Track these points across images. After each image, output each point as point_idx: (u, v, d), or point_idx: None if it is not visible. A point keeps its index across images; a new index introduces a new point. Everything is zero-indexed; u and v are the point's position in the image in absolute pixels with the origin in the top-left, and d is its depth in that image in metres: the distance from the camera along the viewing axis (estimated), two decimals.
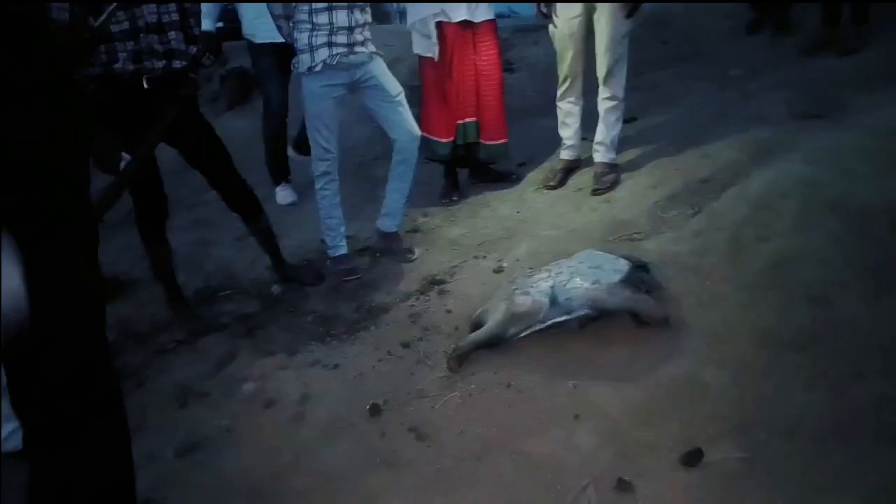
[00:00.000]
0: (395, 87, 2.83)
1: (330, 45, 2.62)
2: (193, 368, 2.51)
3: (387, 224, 3.06)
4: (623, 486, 1.61)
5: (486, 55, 3.19)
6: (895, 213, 2.23)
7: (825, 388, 1.74)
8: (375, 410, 2.06)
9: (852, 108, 2.94)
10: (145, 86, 2.32)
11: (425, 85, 3.26)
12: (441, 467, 1.80)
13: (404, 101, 2.85)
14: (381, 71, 2.80)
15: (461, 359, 2.18)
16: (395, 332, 2.48)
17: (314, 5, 2.57)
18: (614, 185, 3.08)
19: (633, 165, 3.23)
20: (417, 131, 2.89)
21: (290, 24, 2.71)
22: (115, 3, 2.14)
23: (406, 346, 2.37)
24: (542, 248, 2.77)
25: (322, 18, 2.59)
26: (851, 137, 2.69)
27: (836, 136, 2.73)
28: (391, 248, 3.04)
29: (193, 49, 2.49)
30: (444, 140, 3.26)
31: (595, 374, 1.99)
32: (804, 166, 2.61)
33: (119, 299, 3.06)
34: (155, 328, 2.84)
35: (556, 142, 3.52)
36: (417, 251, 3.04)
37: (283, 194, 3.96)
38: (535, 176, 3.50)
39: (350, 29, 2.62)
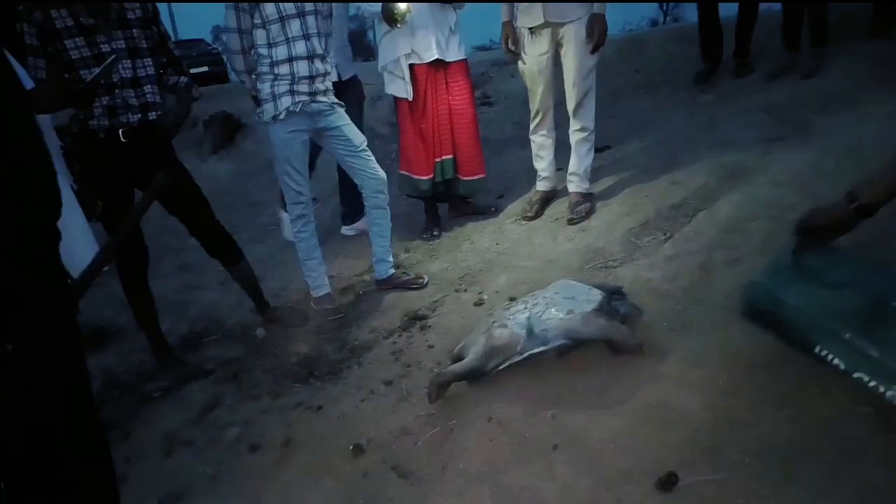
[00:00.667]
0: (357, 136, 2.88)
1: (292, 93, 2.68)
2: (178, 416, 2.51)
3: (382, 270, 3.10)
4: None
5: (459, 94, 3.28)
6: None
7: (794, 406, 1.77)
8: (358, 451, 2.08)
9: (816, 130, 3.03)
10: (122, 139, 2.38)
11: (402, 124, 3.35)
12: None
13: (367, 150, 2.90)
14: (343, 122, 2.84)
15: (441, 388, 2.20)
16: (377, 369, 2.50)
17: (275, 57, 2.64)
18: (589, 213, 3.15)
19: (607, 194, 3.31)
20: (383, 175, 2.94)
21: (253, 78, 2.77)
22: (114, 56, 2.19)
23: (388, 383, 2.39)
24: (521, 279, 2.82)
25: (283, 69, 2.65)
26: (815, 159, 2.77)
27: (801, 159, 2.81)
28: (398, 286, 3.07)
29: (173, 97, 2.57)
30: (424, 177, 3.33)
31: (573, 404, 2.01)
32: (771, 189, 2.68)
33: (103, 349, 3.08)
34: (140, 377, 2.86)
35: (532, 173, 3.60)
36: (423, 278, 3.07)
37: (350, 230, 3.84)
38: (513, 207, 3.57)
39: (311, 78, 2.70)
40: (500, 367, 2.20)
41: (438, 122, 3.26)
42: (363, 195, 3.00)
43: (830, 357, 1.56)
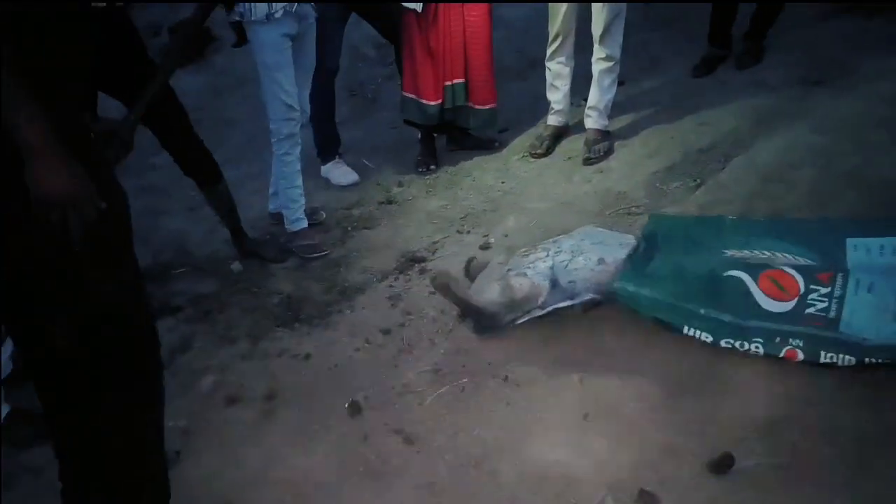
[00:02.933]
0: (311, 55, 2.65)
1: None
2: None
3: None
4: (646, 497, 1.42)
5: (476, 10, 2.87)
6: None
7: (864, 382, 1.57)
8: (355, 409, 1.82)
9: (859, 75, 2.75)
10: None
11: (409, 42, 2.94)
12: (434, 477, 1.58)
13: None
14: (313, 34, 2.60)
15: (441, 289, 2.00)
16: (372, 316, 2.22)
17: None
18: (607, 153, 2.86)
19: (625, 133, 3.01)
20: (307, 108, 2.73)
21: None
22: None
23: (386, 332, 2.12)
24: (533, 223, 2.54)
25: None
26: (862, 105, 2.51)
27: (846, 104, 2.55)
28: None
29: None
30: (433, 102, 2.96)
31: (604, 366, 1.78)
32: (815, 136, 2.43)
33: None
34: None
35: (539, 107, 3.27)
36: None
37: (340, 172, 3.21)
38: (519, 143, 3.25)
39: None
40: (518, 322, 1.95)
41: (451, 41, 2.87)
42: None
43: (698, 334, 1.69)
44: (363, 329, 2.15)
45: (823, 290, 1.69)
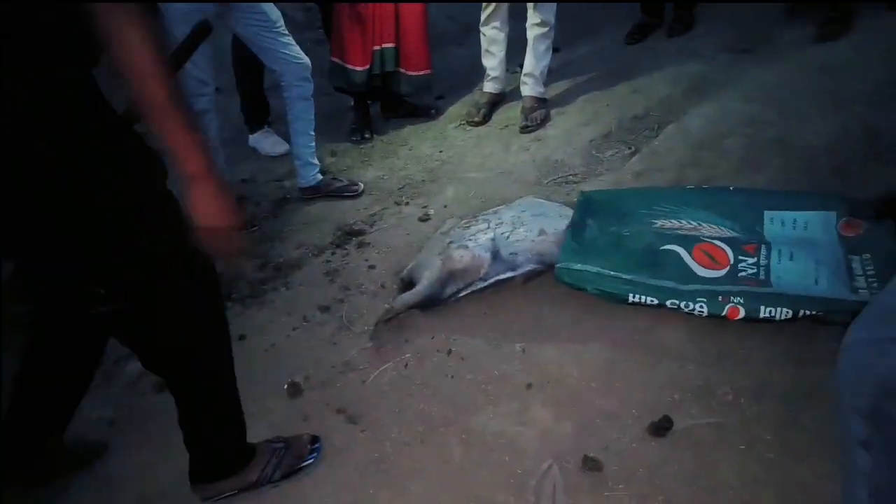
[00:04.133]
0: (272, 10, 2.36)
1: None
2: None
3: (308, 175, 2.64)
4: (590, 463, 1.44)
5: None
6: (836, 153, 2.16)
7: (788, 339, 1.64)
8: (295, 390, 1.76)
9: (784, 45, 2.84)
10: None
11: (338, 5, 2.80)
12: (380, 454, 1.55)
13: (285, 29, 2.41)
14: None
15: (387, 323, 1.91)
16: (310, 292, 2.15)
17: None
18: (544, 121, 2.85)
19: (561, 100, 3.00)
20: (307, 60, 2.47)
21: None
22: None
23: (325, 309, 2.05)
24: (472, 193, 2.51)
25: None
26: (788, 74, 2.59)
27: (773, 73, 2.63)
28: (328, 193, 2.66)
29: None
30: (359, 68, 2.84)
31: (545, 335, 1.79)
32: (743, 104, 2.49)
33: None
34: (8, 293, 2.32)
35: (475, 73, 3.22)
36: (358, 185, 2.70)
37: (269, 142, 3.06)
38: (456, 110, 3.19)
39: None
40: (460, 295, 1.93)
41: (382, 5, 2.76)
42: (282, 85, 2.51)
43: (644, 299, 1.74)
44: (300, 306, 2.08)
45: (751, 260, 1.79)
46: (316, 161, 2.66)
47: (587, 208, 2.06)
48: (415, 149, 2.98)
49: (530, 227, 1.94)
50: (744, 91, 2.56)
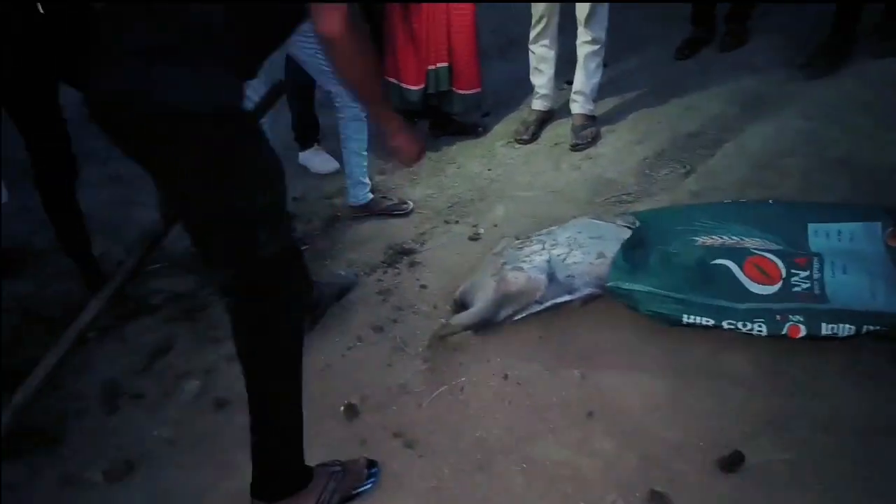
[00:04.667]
0: None
1: None
2: (122, 362, 2.10)
3: (359, 195, 2.65)
4: (656, 497, 1.40)
5: None
6: None
7: (864, 367, 1.57)
8: (352, 411, 1.76)
9: (851, 60, 2.74)
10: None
11: (391, 26, 2.83)
12: (438, 482, 1.53)
13: None
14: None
15: (443, 341, 1.90)
16: (362, 312, 2.15)
17: None
18: (595, 139, 2.81)
19: (611, 118, 2.97)
20: None
21: None
22: None
23: (378, 329, 2.05)
24: (522, 212, 2.49)
25: None
26: (848, 89, 2.52)
27: (833, 89, 2.55)
28: (378, 212, 2.67)
29: None
30: (414, 87, 2.86)
31: (605, 362, 1.75)
32: (803, 121, 2.42)
33: (17, 275, 2.55)
34: (68, 311, 2.38)
35: (521, 89, 3.21)
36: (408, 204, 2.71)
37: (320, 160, 3.07)
38: (503, 128, 3.18)
39: None
40: (515, 318, 1.91)
41: (434, 23, 2.77)
42: (337, 105, 2.53)
43: (698, 320, 1.69)
44: (353, 326, 2.08)
45: (803, 273, 1.73)
46: (367, 180, 2.67)
47: (640, 228, 2.02)
48: (463, 167, 2.98)
49: (588, 250, 1.91)
50: (802, 108, 2.49)
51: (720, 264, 1.79)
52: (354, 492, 1.52)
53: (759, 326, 1.64)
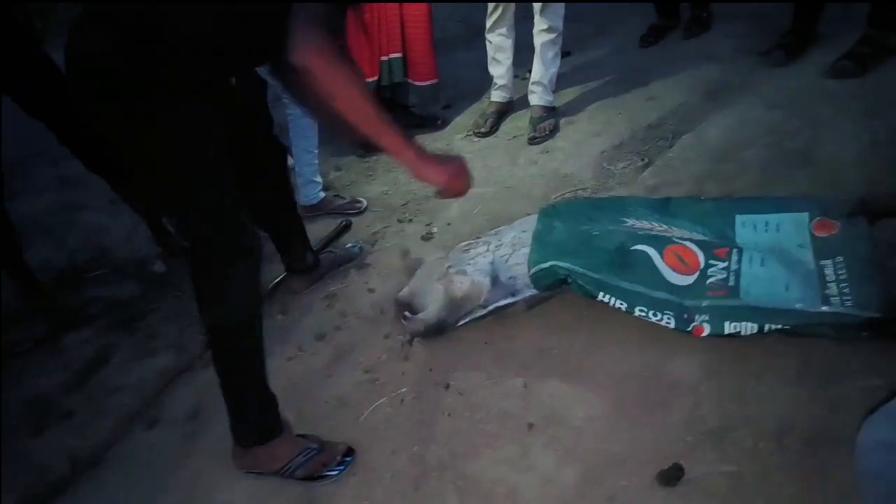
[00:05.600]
0: None
1: None
2: (54, 377, 2.02)
3: (310, 194, 2.56)
4: None
5: None
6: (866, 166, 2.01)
7: (814, 376, 1.50)
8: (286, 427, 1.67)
9: (810, 45, 2.67)
10: None
11: None
12: (370, 501, 1.46)
13: None
14: None
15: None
16: (307, 319, 2.07)
17: None
18: (553, 131, 2.73)
19: (571, 109, 2.88)
20: None
21: None
22: None
23: (321, 337, 1.97)
24: (477, 209, 2.41)
25: None
26: (813, 79, 2.44)
27: (796, 78, 2.47)
28: (330, 211, 2.59)
29: None
30: (367, 79, 2.76)
31: (549, 369, 1.68)
32: (764, 111, 2.34)
33: None
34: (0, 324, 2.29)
35: (483, 80, 3.10)
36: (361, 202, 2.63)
37: None
38: (464, 120, 3.09)
39: None
40: (459, 324, 1.83)
41: (387, 12, 2.67)
42: (285, 101, 2.44)
43: (613, 301, 1.66)
44: (295, 334, 2.00)
45: (721, 265, 1.69)
46: (318, 179, 2.58)
47: (552, 215, 1.95)
48: None
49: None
50: (765, 98, 2.41)
51: (640, 250, 1.74)
52: (319, 473, 1.52)
53: (668, 319, 1.61)
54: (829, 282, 1.59)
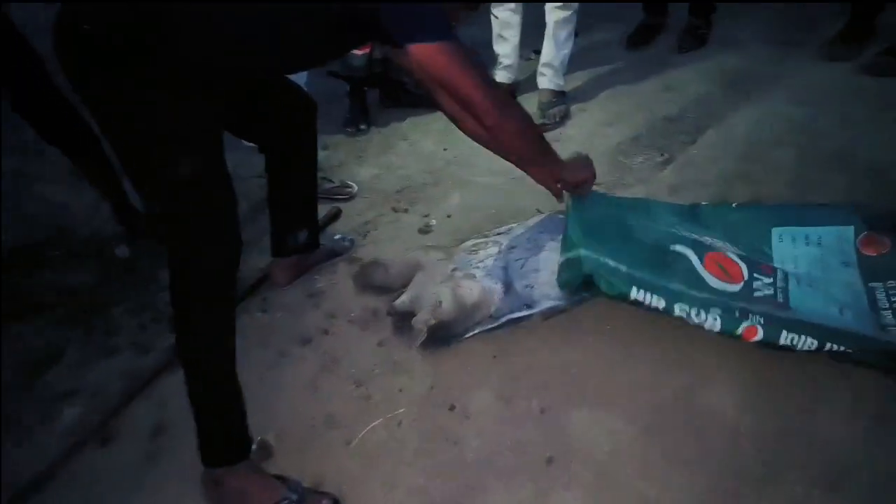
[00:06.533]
0: None
1: None
2: None
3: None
4: None
5: None
6: None
7: (868, 411, 1.34)
8: (265, 452, 1.46)
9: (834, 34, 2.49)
10: None
11: None
12: None
13: None
14: None
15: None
16: (289, 320, 1.83)
17: None
18: (564, 118, 2.52)
19: (582, 95, 2.67)
20: None
21: None
22: None
23: (306, 342, 1.75)
24: (481, 201, 2.19)
25: None
26: (845, 73, 2.27)
27: (825, 71, 2.29)
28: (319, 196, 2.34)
29: None
30: (358, 51, 2.51)
31: (569, 392, 1.49)
32: (793, 107, 2.16)
33: None
34: None
35: (487, 58, 2.87)
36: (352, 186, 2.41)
37: None
38: None
39: None
40: (466, 336, 1.62)
41: None
42: None
43: (649, 298, 1.46)
44: (277, 338, 1.77)
45: (766, 280, 1.52)
46: None
47: (582, 205, 1.69)
48: (416, 144, 2.65)
49: (550, 255, 1.63)
50: (794, 92, 2.23)
51: (679, 252, 1.56)
52: None
53: (714, 318, 1.41)
54: (883, 309, 1.43)
